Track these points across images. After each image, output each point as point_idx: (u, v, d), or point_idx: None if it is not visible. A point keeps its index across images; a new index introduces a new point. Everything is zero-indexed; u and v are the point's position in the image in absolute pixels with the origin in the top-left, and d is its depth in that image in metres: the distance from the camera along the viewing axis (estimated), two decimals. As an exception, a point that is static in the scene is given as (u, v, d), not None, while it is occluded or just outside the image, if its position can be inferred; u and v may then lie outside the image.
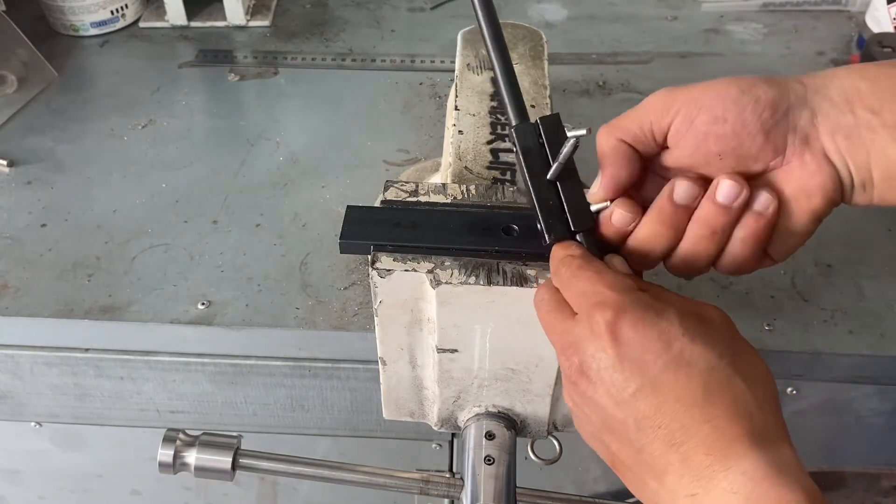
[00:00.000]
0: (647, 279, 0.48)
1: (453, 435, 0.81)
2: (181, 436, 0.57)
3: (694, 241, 0.46)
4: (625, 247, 0.49)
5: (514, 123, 0.51)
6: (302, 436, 0.81)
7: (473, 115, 0.65)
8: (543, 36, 0.73)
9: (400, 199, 0.55)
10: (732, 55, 1.04)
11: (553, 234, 0.48)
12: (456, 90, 0.68)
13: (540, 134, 0.50)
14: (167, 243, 0.77)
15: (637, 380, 0.41)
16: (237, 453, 0.57)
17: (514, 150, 0.51)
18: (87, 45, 1.07)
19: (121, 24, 1.09)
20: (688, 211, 0.46)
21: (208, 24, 1.10)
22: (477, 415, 0.57)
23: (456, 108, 0.65)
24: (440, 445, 0.82)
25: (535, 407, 0.56)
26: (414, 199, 0.55)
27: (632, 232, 0.48)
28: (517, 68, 0.68)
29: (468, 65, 0.70)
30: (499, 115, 0.65)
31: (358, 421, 0.78)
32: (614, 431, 0.42)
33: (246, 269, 0.74)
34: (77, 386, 0.76)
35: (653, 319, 0.41)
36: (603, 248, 0.48)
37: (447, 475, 0.57)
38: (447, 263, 0.50)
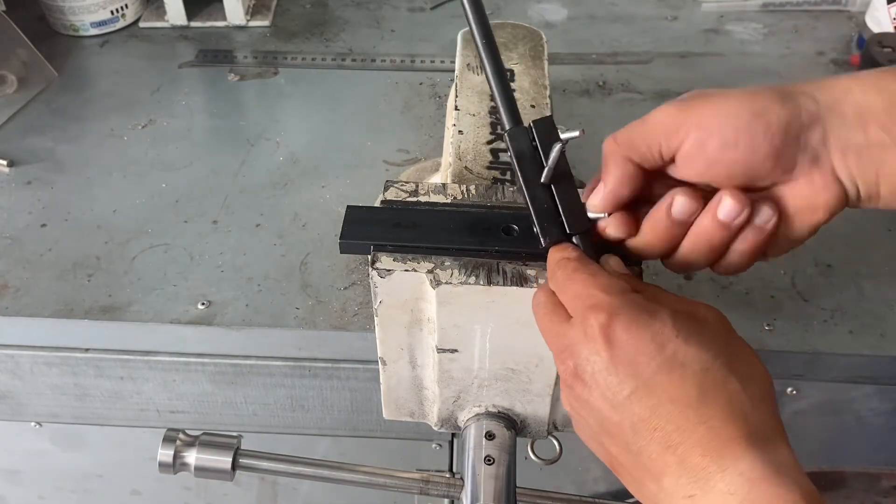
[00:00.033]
0: (647, 279, 0.48)
1: (453, 435, 0.81)
2: (181, 436, 0.57)
3: (691, 249, 0.47)
4: (623, 247, 0.49)
5: (507, 128, 0.51)
6: (302, 436, 0.81)
7: (473, 115, 0.65)
8: (543, 36, 0.73)
9: (400, 199, 0.55)
10: (732, 55, 1.04)
11: (548, 237, 0.48)
12: (456, 90, 0.68)
13: (533, 137, 0.50)
14: (167, 243, 0.77)
15: (631, 382, 0.40)
16: (237, 453, 0.57)
17: (508, 154, 0.51)
18: (87, 45, 1.07)
19: (121, 24, 1.09)
20: (684, 225, 0.46)
21: (208, 24, 1.10)
22: (477, 415, 0.57)
23: (456, 108, 0.65)
24: (440, 445, 0.82)
25: (535, 407, 0.56)
26: (414, 199, 0.55)
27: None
28: (517, 68, 0.69)
29: (468, 65, 0.70)
30: (499, 115, 0.65)
31: (358, 421, 0.78)
32: (611, 434, 0.42)
33: (246, 269, 0.74)
34: (77, 386, 0.76)
35: (646, 321, 0.41)
36: (600, 249, 0.48)
37: (447, 475, 0.57)
38: (447, 263, 0.50)
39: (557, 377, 0.54)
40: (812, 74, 0.99)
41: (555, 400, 0.56)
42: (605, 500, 0.58)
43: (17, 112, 0.94)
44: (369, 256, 0.51)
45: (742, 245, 0.46)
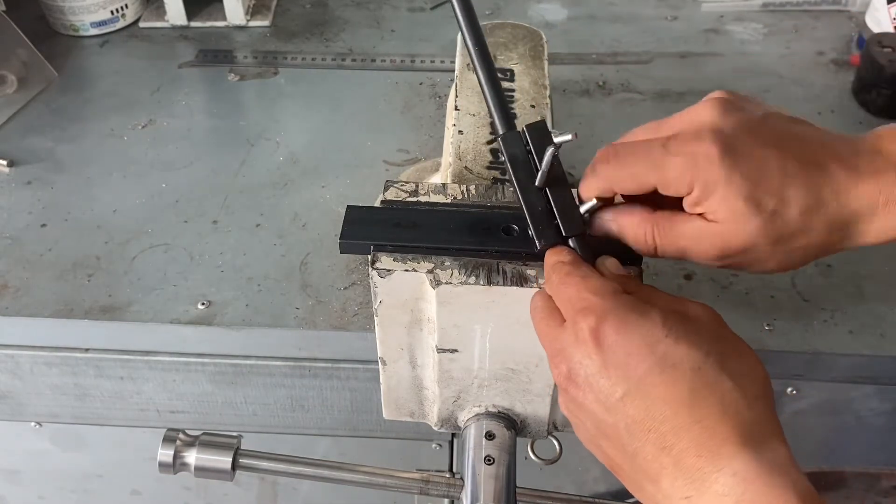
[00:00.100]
0: (647, 279, 0.48)
1: (453, 435, 0.81)
2: (181, 436, 0.57)
3: None
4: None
5: (500, 132, 0.51)
6: (302, 436, 0.81)
7: (473, 115, 0.65)
8: (543, 36, 0.73)
9: (400, 199, 0.55)
10: (732, 55, 1.04)
11: (543, 240, 0.49)
12: (456, 90, 0.68)
13: (527, 142, 0.50)
14: (167, 243, 0.77)
15: (624, 384, 0.40)
16: (237, 453, 0.57)
17: (502, 158, 0.51)
18: (87, 45, 1.07)
19: (121, 24, 1.09)
20: None
21: (208, 24, 1.10)
22: (477, 415, 0.57)
23: (456, 108, 0.65)
24: (440, 445, 0.82)
25: (535, 407, 0.56)
26: (414, 199, 0.55)
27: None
28: (517, 68, 0.69)
29: (468, 65, 0.70)
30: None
31: (358, 421, 0.78)
32: (608, 437, 0.42)
33: (246, 269, 0.74)
34: (77, 386, 0.76)
35: (636, 322, 0.41)
36: (597, 250, 0.48)
37: (447, 475, 0.57)
38: (447, 263, 0.50)
39: (557, 377, 0.54)
40: (812, 74, 0.99)
41: (554, 400, 0.56)
42: (605, 500, 0.58)
43: (17, 112, 0.94)
44: (369, 256, 0.51)
45: None
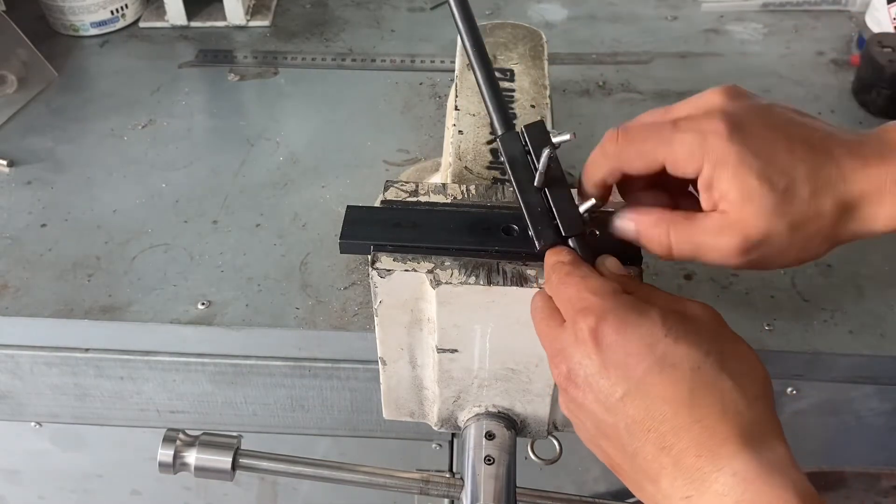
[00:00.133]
0: (647, 279, 0.48)
1: (453, 435, 0.81)
2: (181, 436, 0.57)
3: None
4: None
5: (499, 133, 0.51)
6: (302, 436, 0.81)
7: (473, 115, 0.65)
8: (543, 36, 0.73)
9: (400, 199, 0.55)
10: (732, 55, 1.04)
11: (543, 241, 0.49)
12: (456, 90, 0.68)
13: (525, 142, 0.50)
14: (167, 243, 0.77)
15: (623, 384, 0.40)
16: (237, 453, 0.57)
17: (501, 159, 0.51)
18: (87, 45, 1.07)
19: (121, 24, 1.09)
20: None
21: (208, 24, 1.10)
22: (477, 415, 0.57)
23: (456, 108, 0.65)
24: (440, 445, 0.82)
25: (535, 407, 0.56)
26: (414, 199, 0.55)
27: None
28: (517, 68, 0.69)
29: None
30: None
31: (358, 421, 0.78)
32: (608, 436, 0.42)
33: (246, 269, 0.74)
34: (77, 386, 0.76)
35: (635, 321, 0.41)
36: (597, 250, 0.48)
37: (447, 475, 0.57)
38: (447, 263, 0.50)
39: (557, 377, 0.54)
40: (812, 74, 0.99)
41: (555, 400, 0.56)
42: (605, 500, 0.58)
43: (17, 112, 0.94)
44: (369, 256, 0.51)
45: None
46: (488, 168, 0.60)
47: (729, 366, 0.40)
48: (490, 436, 0.55)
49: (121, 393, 0.77)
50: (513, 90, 0.66)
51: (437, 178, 0.79)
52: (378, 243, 0.51)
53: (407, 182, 0.56)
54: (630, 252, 0.49)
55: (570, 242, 0.48)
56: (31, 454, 0.88)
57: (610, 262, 0.47)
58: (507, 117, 0.52)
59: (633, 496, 0.43)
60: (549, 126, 0.63)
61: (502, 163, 0.60)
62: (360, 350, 0.70)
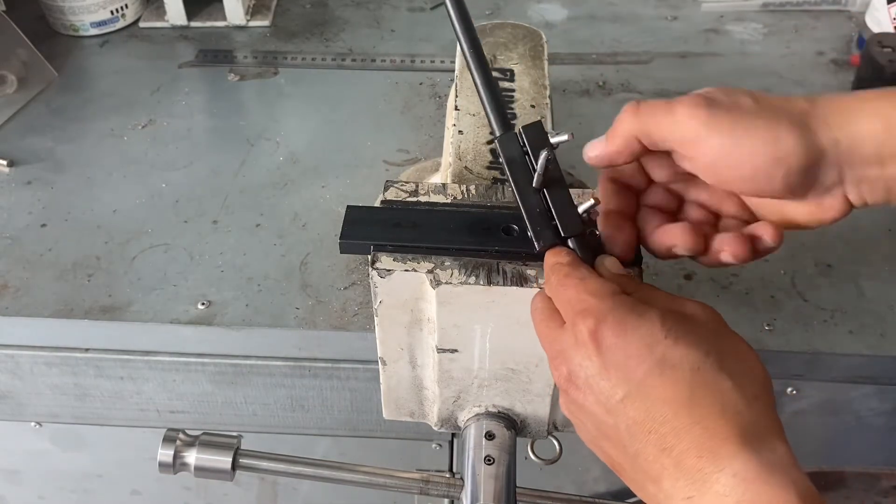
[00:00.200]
0: (647, 279, 0.48)
1: (453, 435, 0.81)
2: (181, 436, 0.57)
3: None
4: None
5: (497, 134, 0.51)
6: (302, 436, 0.81)
7: (473, 115, 0.65)
8: (543, 36, 0.73)
9: (400, 199, 0.55)
10: (732, 55, 1.04)
11: (542, 241, 0.49)
12: (456, 90, 0.68)
13: (523, 142, 0.50)
14: (167, 243, 0.77)
15: (624, 386, 0.40)
16: (237, 453, 0.57)
17: (500, 160, 0.51)
18: (87, 45, 1.07)
19: (121, 24, 1.09)
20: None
21: (208, 24, 1.10)
22: (477, 415, 0.57)
23: (456, 108, 0.65)
24: (440, 445, 0.82)
25: (535, 407, 0.56)
26: (414, 199, 0.55)
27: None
28: (517, 68, 0.69)
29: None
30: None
31: (358, 421, 0.78)
32: (609, 438, 0.42)
33: (246, 269, 0.74)
34: (77, 386, 0.76)
35: (634, 323, 0.41)
36: (597, 250, 0.48)
37: (447, 475, 0.57)
38: (447, 263, 0.50)
39: (557, 377, 0.54)
40: (812, 74, 0.99)
41: (555, 400, 0.56)
42: (605, 500, 0.58)
43: (17, 112, 0.95)
44: (369, 256, 0.51)
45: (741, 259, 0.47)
46: (488, 168, 0.60)
47: (728, 366, 0.40)
48: (490, 436, 0.55)
49: (121, 393, 0.77)
50: (513, 90, 0.66)
51: (437, 178, 0.79)
52: (378, 243, 0.51)
53: (407, 182, 0.56)
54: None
55: (570, 243, 0.48)
56: (31, 454, 0.88)
57: (609, 262, 0.47)
58: (505, 118, 0.52)
59: (633, 496, 0.43)
60: (548, 126, 0.63)
61: (502, 163, 0.61)
62: (360, 350, 0.70)
